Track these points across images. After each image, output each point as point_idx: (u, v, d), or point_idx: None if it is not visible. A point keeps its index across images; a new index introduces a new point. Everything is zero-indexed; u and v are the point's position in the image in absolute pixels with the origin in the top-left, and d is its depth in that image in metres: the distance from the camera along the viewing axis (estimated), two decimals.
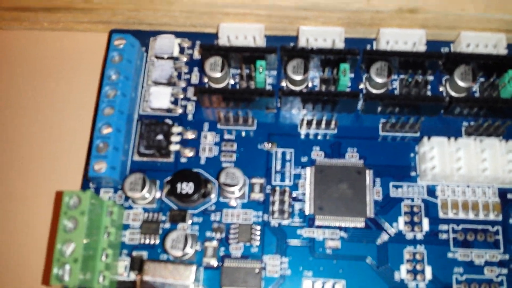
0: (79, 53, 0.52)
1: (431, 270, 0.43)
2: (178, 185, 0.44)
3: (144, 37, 0.50)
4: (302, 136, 0.47)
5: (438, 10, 0.47)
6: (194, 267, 0.41)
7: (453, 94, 0.47)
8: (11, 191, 0.47)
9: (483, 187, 0.45)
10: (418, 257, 0.43)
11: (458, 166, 0.44)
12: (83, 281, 0.38)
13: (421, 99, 0.46)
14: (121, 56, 0.47)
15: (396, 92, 0.48)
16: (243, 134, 0.48)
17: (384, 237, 0.44)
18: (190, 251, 0.42)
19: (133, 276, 0.43)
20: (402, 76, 0.48)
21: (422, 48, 0.48)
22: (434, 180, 0.45)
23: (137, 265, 0.43)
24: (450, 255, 0.43)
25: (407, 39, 0.49)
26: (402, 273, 0.43)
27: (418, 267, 0.43)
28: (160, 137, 0.46)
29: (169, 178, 0.45)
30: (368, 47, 0.50)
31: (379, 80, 0.46)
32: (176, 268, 0.40)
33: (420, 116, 0.47)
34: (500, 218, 0.44)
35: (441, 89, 0.48)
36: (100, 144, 0.44)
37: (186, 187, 0.44)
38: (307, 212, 0.45)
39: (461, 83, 0.46)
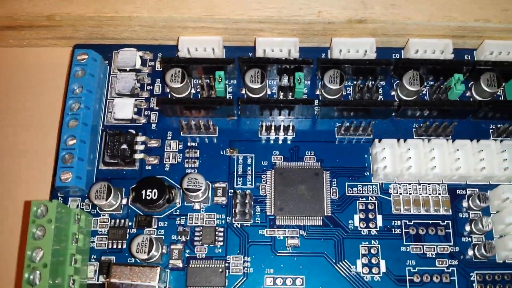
0: (44, 68, 0.56)
1: (385, 263, 0.47)
2: (143, 192, 0.47)
3: (107, 51, 0.54)
4: (262, 142, 0.52)
5: (384, 19, 0.51)
6: (158, 269, 0.44)
7: (403, 97, 0.52)
8: None
9: (434, 184, 0.50)
10: (373, 251, 0.48)
11: (408, 165, 0.49)
12: (54, 285, 0.42)
13: (372, 103, 0.51)
14: (84, 70, 0.50)
15: (350, 97, 0.53)
16: (206, 141, 0.52)
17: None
18: (156, 254, 0.46)
19: (102, 279, 0.46)
20: (355, 82, 0.53)
21: (372, 55, 0.52)
22: (387, 179, 0.50)
23: (105, 269, 0.46)
24: (403, 248, 0.48)
25: (358, 47, 0.53)
26: (358, 267, 0.47)
27: (373, 261, 0.47)
28: (124, 146, 0.50)
29: (134, 186, 0.48)
30: (323, 55, 0.54)
31: (332, 87, 0.51)
32: (141, 270, 0.44)
33: (372, 119, 0.51)
34: (450, 212, 0.49)
35: (392, 93, 0.53)
36: (66, 155, 0.48)
37: (151, 194, 0.47)
38: (268, 213, 0.49)
39: (409, 87, 0.51)
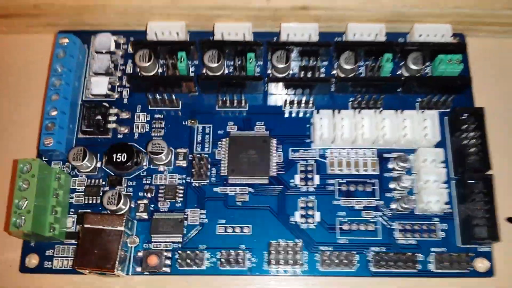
0: (32, 51, 0.63)
1: (320, 214, 0.55)
2: (114, 155, 0.56)
3: (86, 36, 0.61)
4: (219, 114, 0.60)
5: (325, 6, 0.60)
6: (125, 217, 0.53)
7: (341, 75, 0.60)
8: None
9: (364, 149, 0.58)
10: (310, 205, 0.56)
11: (341, 132, 0.57)
12: (36, 228, 0.51)
13: (313, 80, 0.59)
14: (65, 52, 0.58)
15: (296, 75, 0.61)
16: (172, 113, 0.60)
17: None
18: (123, 207, 0.55)
19: (78, 229, 0.55)
20: (301, 62, 0.61)
21: (315, 38, 0.61)
22: (324, 145, 0.58)
23: (81, 220, 0.55)
24: (335, 202, 0.56)
25: (303, 31, 0.61)
26: (297, 217, 0.55)
27: (310, 212, 0.56)
28: (99, 117, 0.58)
29: (107, 150, 0.57)
30: (275, 39, 0.62)
31: (279, 65, 0.59)
32: (110, 217, 0.52)
33: (314, 94, 0.60)
34: (377, 172, 0.57)
35: (333, 72, 0.61)
36: (49, 123, 0.56)
37: (121, 157, 0.56)
38: (222, 174, 0.57)
39: (345, 66, 0.59)
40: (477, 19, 0.61)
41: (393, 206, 0.56)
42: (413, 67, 0.59)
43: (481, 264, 0.54)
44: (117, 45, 0.62)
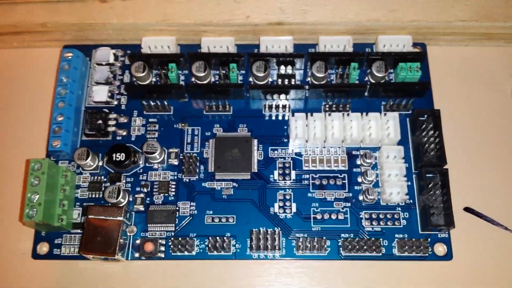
0: (40, 64, 0.69)
1: (296, 205, 0.62)
2: (114, 155, 0.63)
3: (88, 49, 0.67)
4: (207, 117, 0.66)
5: (298, 22, 0.66)
6: (124, 208, 0.59)
7: (314, 82, 0.67)
8: (1, 161, 0.65)
9: (334, 147, 0.65)
10: (287, 197, 0.62)
11: (314, 133, 0.64)
12: (46, 218, 0.57)
13: (289, 87, 0.66)
14: (69, 64, 0.64)
15: (274, 82, 0.68)
16: (164, 118, 0.67)
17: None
18: (122, 200, 0.61)
19: (83, 220, 0.62)
20: (277, 71, 0.67)
21: (291, 50, 0.68)
22: (300, 144, 0.64)
23: (86, 212, 0.62)
24: (309, 194, 0.62)
25: (280, 44, 0.67)
26: (276, 208, 0.62)
27: (287, 204, 0.62)
28: (100, 122, 0.65)
29: (107, 151, 0.64)
30: (256, 50, 0.69)
31: (259, 74, 0.66)
32: (111, 209, 0.59)
33: (291, 99, 0.67)
34: (346, 168, 0.64)
35: (307, 79, 0.68)
36: (56, 128, 0.62)
37: (120, 156, 0.63)
38: (209, 170, 0.64)
39: (317, 74, 0.66)
40: (434, 30, 0.67)
41: (360, 197, 0.62)
42: (377, 74, 0.65)
43: (440, 249, 0.60)
44: (116, 58, 0.68)
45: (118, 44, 0.68)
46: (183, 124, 0.65)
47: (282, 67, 0.66)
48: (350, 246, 0.60)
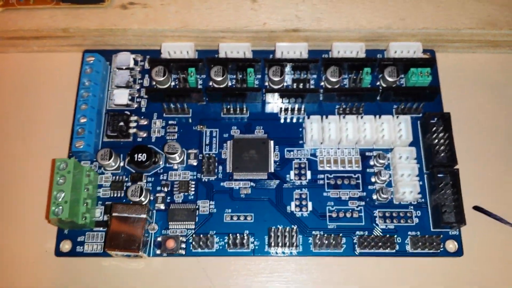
0: (61, 68, 0.70)
1: (311, 204, 0.63)
2: (135, 156, 0.64)
3: (108, 54, 0.68)
4: (225, 120, 0.68)
5: (313, 29, 0.68)
6: (146, 206, 0.60)
7: (328, 86, 0.69)
8: (24, 160, 0.67)
9: (349, 148, 0.67)
10: (303, 196, 0.64)
11: (328, 135, 0.65)
12: (71, 216, 0.58)
13: (304, 90, 0.68)
14: (91, 68, 0.65)
15: (290, 86, 0.69)
16: (183, 120, 0.68)
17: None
18: (144, 199, 0.63)
19: (105, 218, 0.63)
20: (293, 76, 0.69)
21: (305, 55, 0.69)
22: (315, 145, 0.66)
23: (108, 211, 0.63)
24: (325, 194, 0.63)
25: (295, 50, 0.69)
26: (292, 207, 0.63)
27: (303, 202, 0.64)
28: (121, 123, 0.66)
29: (129, 152, 0.65)
30: (271, 56, 0.71)
31: (275, 78, 0.67)
32: (135, 206, 0.60)
33: (305, 102, 0.68)
34: (360, 168, 0.65)
35: (321, 83, 0.70)
36: (79, 129, 0.64)
37: (141, 157, 0.64)
38: (227, 171, 0.65)
39: (331, 79, 0.68)
40: (443, 37, 0.69)
41: (374, 196, 0.64)
42: (389, 79, 0.67)
43: (451, 245, 0.61)
44: (136, 62, 0.69)
45: (138, 49, 0.70)
46: (201, 126, 0.67)
47: (297, 71, 0.68)
48: (364, 243, 0.61)
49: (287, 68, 0.67)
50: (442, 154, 0.63)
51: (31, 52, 0.72)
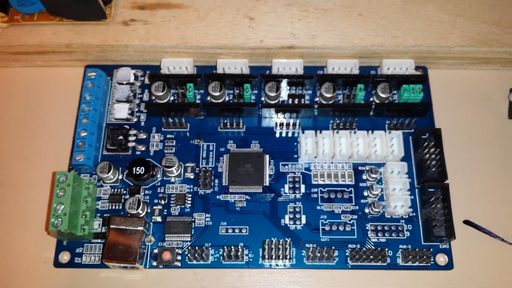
0: (64, 82, 0.69)
1: (305, 217, 0.62)
2: (134, 169, 0.64)
3: (109, 69, 0.68)
4: (221, 134, 0.68)
5: (307, 46, 0.68)
6: (144, 219, 0.60)
7: (323, 102, 0.69)
8: (26, 172, 0.67)
9: (341, 162, 0.66)
10: (297, 209, 0.63)
11: (322, 149, 0.65)
12: (70, 227, 0.58)
13: (299, 106, 0.68)
14: (93, 83, 0.65)
15: (285, 102, 0.69)
16: (181, 134, 0.68)
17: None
18: (142, 211, 0.63)
19: (103, 230, 0.63)
20: (288, 92, 0.69)
21: (301, 72, 0.69)
22: (309, 159, 0.66)
23: (106, 223, 0.63)
24: (318, 207, 0.62)
25: (291, 66, 0.69)
26: (286, 220, 0.63)
27: (297, 216, 0.63)
28: (120, 137, 0.66)
29: (127, 165, 0.65)
30: (268, 72, 0.70)
31: (271, 94, 0.67)
32: (132, 219, 0.60)
33: (300, 117, 0.68)
34: (353, 182, 0.65)
35: (316, 99, 0.70)
36: (80, 142, 0.63)
37: (139, 170, 0.64)
38: (223, 184, 0.65)
39: (326, 94, 0.67)
40: (434, 54, 0.69)
41: (366, 210, 0.63)
42: (382, 95, 0.67)
43: (441, 259, 0.61)
44: (136, 77, 0.69)
45: (138, 64, 0.69)
46: (198, 140, 0.67)
47: (293, 87, 0.68)
48: (356, 256, 0.61)
49: (283, 84, 0.67)
50: (433, 169, 0.63)
51: (34, 67, 0.71)
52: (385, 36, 0.68)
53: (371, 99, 0.68)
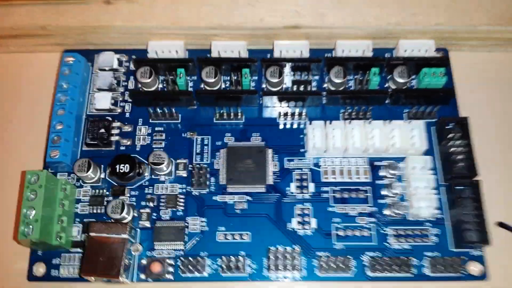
0: (39, 70, 0.62)
1: (316, 221, 0.54)
2: (117, 167, 0.55)
3: (90, 54, 0.61)
4: (217, 126, 0.59)
5: (315, 25, 0.59)
6: (128, 224, 0.51)
7: (332, 88, 0.60)
8: None
9: (356, 157, 0.57)
10: (305, 211, 0.54)
11: (333, 142, 0.56)
12: (43, 236, 0.49)
13: (305, 93, 0.59)
14: (70, 70, 0.57)
15: (289, 89, 0.60)
16: (172, 126, 0.59)
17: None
18: (127, 216, 0.53)
19: (83, 237, 0.54)
20: (293, 77, 0.60)
21: (306, 55, 0.60)
22: (318, 154, 0.57)
23: (87, 229, 0.53)
24: (330, 209, 0.54)
25: (295, 48, 0.60)
26: (293, 224, 0.54)
27: (306, 219, 0.54)
28: (102, 130, 0.57)
29: (110, 162, 0.56)
30: (268, 55, 0.62)
31: (273, 80, 0.58)
32: (115, 225, 0.51)
33: (306, 106, 0.59)
34: (369, 180, 0.56)
35: (324, 85, 0.61)
36: (55, 137, 0.55)
37: (124, 168, 0.55)
38: (221, 183, 0.56)
39: (335, 80, 0.58)
40: (458, 35, 0.61)
41: (386, 212, 0.55)
42: (399, 80, 0.58)
43: (474, 268, 0.52)
44: (120, 63, 0.61)
45: (123, 48, 0.62)
46: (191, 133, 0.58)
47: (298, 72, 0.59)
48: (376, 266, 0.52)
49: (287, 69, 0.59)
50: (461, 164, 0.54)
51: (7, 53, 0.64)
52: (403, 14, 0.59)
53: (386, 85, 0.60)
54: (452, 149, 0.55)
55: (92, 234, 0.50)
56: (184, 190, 0.55)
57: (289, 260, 0.52)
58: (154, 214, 0.55)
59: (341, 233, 0.54)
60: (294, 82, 0.60)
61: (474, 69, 0.62)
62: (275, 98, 0.58)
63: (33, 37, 0.61)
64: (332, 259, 0.52)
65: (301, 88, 0.59)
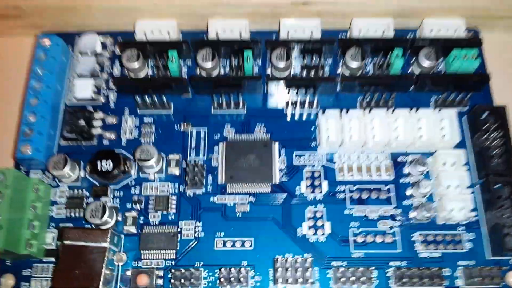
0: (11, 55, 0.57)
1: (330, 225, 0.47)
2: (98, 163, 0.48)
3: (70, 37, 0.55)
4: (215, 117, 0.52)
5: (328, 1, 0.52)
6: (109, 230, 0.44)
7: (347, 73, 0.53)
8: None
9: (377, 152, 0.50)
10: (318, 214, 0.48)
11: (350, 135, 0.49)
12: (9, 244, 0.42)
13: (317, 79, 0.52)
14: (46, 54, 0.52)
15: (298, 74, 0.53)
16: (163, 117, 0.52)
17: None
18: (109, 220, 0.46)
19: (58, 245, 0.46)
20: (302, 61, 0.53)
21: (318, 35, 0.53)
22: (332, 149, 0.50)
23: (61, 237, 0.46)
24: (346, 211, 0.48)
25: (305, 28, 0.54)
26: (304, 229, 0.47)
27: (319, 223, 0.47)
28: (82, 122, 0.50)
29: (91, 158, 0.49)
30: (274, 37, 0.55)
31: (280, 64, 0.51)
32: (93, 231, 0.44)
33: (318, 94, 0.52)
34: (392, 177, 0.49)
35: (339, 70, 0.54)
36: (27, 129, 0.48)
37: (106, 165, 0.48)
38: (219, 182, 0.49)
39: (352, 64, 0.51)
40: (490, 13, 0.55)
41: (412, 215, 0.48)
42: (425, 63, 0.51)
43: None
44: (104, 46, 0.55)
45: (107, 30, 0.56)
46: (185, 125, 0.51)
47: (308, 56, 0.53)
48: (403, 278, 0.46)
49: (295, 52, 0.52)
50: (498, 159, 0.48)
51: None
52: None
53: (410, 69, 0.54)
54: (487, 143, 0.49)
55: (66, 242, 0.43)
56: (176, 191, 0.49)
57: (299, 272, 0.45)
58: (142, 218, 0.48)
59: (359, 239, 0.48)
60: (303, 67, 0.53)
61: (508, 51, 0.57)
62: (281, 84, 0.52)
63: (6, 19, 0.56)
64: (350, 270, 0.46)
65: (312, 73, 0.53)
